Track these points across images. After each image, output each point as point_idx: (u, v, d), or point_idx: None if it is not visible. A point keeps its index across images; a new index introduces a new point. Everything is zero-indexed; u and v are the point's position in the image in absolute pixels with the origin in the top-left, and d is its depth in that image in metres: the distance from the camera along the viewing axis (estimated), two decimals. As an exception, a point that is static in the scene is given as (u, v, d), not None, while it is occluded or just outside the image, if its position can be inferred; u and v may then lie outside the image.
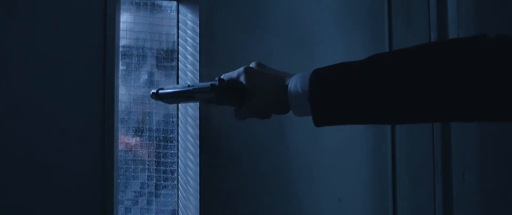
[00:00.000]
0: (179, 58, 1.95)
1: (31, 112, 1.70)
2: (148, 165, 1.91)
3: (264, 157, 1.85)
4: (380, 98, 0.97)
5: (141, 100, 1.93)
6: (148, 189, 1.90)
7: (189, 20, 1.90)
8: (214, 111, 1.79)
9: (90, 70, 1.75)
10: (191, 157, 1.85)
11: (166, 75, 1.95)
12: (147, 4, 1.94)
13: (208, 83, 1.15)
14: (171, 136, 1.93)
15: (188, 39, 1.90)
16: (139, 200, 1.89)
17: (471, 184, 1.78)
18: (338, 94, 1.01)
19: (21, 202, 1.67)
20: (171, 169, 1.93)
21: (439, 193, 1.83)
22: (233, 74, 1.14)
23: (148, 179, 1.90)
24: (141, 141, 1.92)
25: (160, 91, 1.24)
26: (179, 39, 1.95)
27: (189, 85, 1.19)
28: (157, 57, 1.95)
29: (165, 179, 1.92)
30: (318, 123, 1.04)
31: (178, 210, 1.91)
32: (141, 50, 1.93)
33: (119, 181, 1.86)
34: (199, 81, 1.78)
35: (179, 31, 1.95)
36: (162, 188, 1.91)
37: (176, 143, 1.93)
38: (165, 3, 1.96)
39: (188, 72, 1.89)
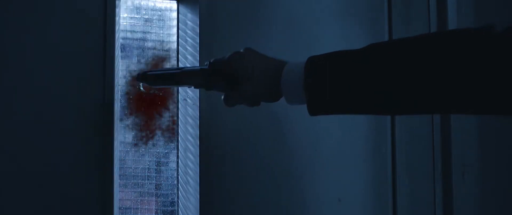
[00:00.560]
0: (179, 58, 1.95)
1: (31, 111, 1.70)
2: (148, 165, 1.91)
3: (264, 157, 1.85)
4: (380, 87, 0.94)
5: (141, 100, 1.93)
6: (148, 189, 1.90)
7: (189, 20, 1.90)
8: (214, 111, 1.79)
9: (90, 70, 1.75)
10: (191, 157, 1.85)
11: (166, 75, 1.95)
12: (147, 4, 1.94)
13: (198, 67, 1.12)
14: (171, 135, 1.93)
15: (188, 39, 1.90)
16: (139, 200, 1.89)
17: (471, 184, 1.78)
18: (334, 82, 0.97)
19: (21, 202, 1.67)
20: (171, 169, 1.93)
21: (439, 193, 1.83)
22: (224, 59, 1.10)
23: (148, 179, 1.90)
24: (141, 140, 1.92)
25: (149, 72, 1.18)
26: (179, 39, 1.95)
27: (179, 68, 1.16)
28: (157, 57, 1.95)
29: (165, 179, 1.92)
30: (313, 111, 1.01)
31: (178, 210, 1.91)
32: (141, 50, 1.93)
33: (119, 181, 1.86)
34: None
35: (179, 31, 1.95)
36: (162, 188, 1.91)
37: (176, 143, 1.93)
38: (165, 3, 1.96)
39: (188, 72, 1.89)
